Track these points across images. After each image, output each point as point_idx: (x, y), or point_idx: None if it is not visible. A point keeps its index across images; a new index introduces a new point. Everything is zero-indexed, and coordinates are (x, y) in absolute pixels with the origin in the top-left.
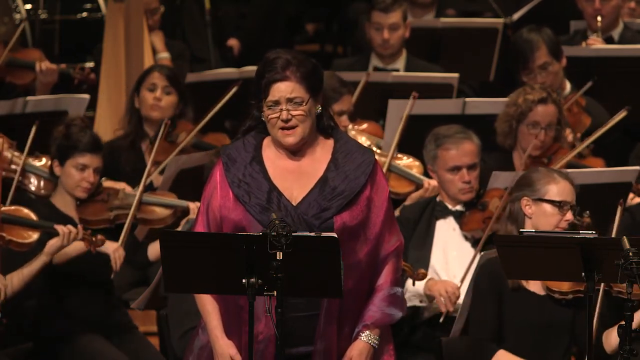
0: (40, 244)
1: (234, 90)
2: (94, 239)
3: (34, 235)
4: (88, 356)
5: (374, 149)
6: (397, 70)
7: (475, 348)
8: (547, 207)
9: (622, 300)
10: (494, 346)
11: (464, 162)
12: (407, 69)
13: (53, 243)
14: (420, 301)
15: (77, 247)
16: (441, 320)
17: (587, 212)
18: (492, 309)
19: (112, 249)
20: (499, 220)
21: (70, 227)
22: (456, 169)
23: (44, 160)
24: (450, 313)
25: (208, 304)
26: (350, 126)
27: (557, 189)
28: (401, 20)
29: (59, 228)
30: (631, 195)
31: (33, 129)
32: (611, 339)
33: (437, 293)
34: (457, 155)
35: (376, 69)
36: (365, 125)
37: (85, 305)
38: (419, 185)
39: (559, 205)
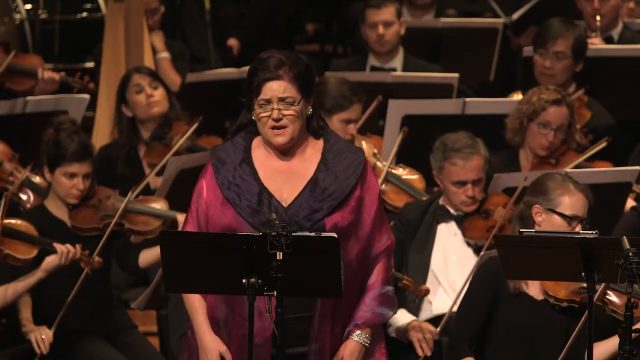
0: (36, 258)
1: (196, 124)
2: (91, 260)
3: (33, 252)
4: (87, 356)
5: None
6: (395, 69)
7: (450, 346)
8: (557, 218)
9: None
10: (467, 350)
11: (470, 177)
12: (405, 67)
13: (51, 260)
14: (401, 338)
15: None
16: None
17: (597, 231)
18: (479, 310)
19: (35, 331)
20: (501, 230)
21: (69, 246)
22: (461, 183)
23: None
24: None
25: (196, 301)
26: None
27: (570, 202)
28: (395, 17)
29: (58, 247)
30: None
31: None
32: (598, 351)
33: (414, 338)
34: (463, 170)
35: (374, 68)
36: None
37: (85, 305)
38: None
39: (569, 219)
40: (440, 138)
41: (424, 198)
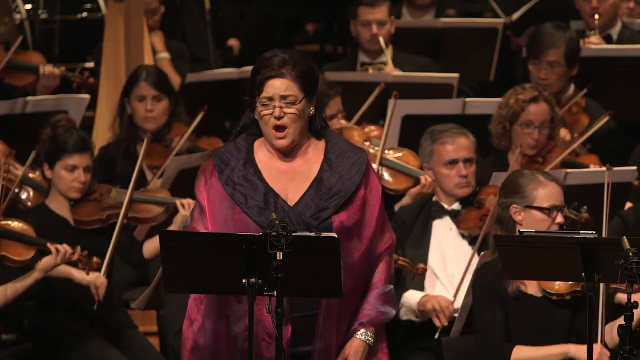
0: (33, 258)
1: (202, 114)
2: (89, 260)
3: (30, 253)
4: (87, 356)
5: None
6: (384, 63)
7: (491, 350)
8: (537, 213)
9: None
10: (509, 345)
11: (460, 155)
12: (394, 61)
13: (46, 261)
14: (415, 316)
15: (63, 271)
16: (436, 336)
17: (585, 207)
18: (499, 310)
19: (91, 279)
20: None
21: (65, 246)
22: (453, 162)
23: (37, 173)
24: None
25: None
26: (344, 122)
27: (545, 194)
28: (387, 16)
29: (52, 247)
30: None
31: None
32: (612, 332)
33: (430, 308)
34: (453, 149)
35: (364, 64)
36: (373, 128)
37: (85, 305)
38: (416, 180)
39: (548, 211)
40: (427, 130)
41: (422, 177)
